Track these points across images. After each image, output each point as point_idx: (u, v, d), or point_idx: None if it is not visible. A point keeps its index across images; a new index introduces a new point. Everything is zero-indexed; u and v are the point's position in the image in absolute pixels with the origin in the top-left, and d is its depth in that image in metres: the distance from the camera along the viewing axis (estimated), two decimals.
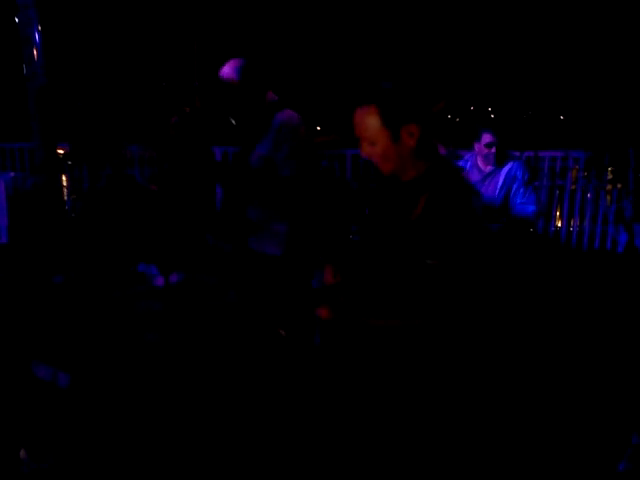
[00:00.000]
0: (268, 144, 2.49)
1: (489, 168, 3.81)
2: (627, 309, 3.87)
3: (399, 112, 1.53)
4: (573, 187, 5.92)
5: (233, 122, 2.54)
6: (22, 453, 2.30)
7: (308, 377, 2.13)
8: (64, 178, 6.51)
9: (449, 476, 1.78)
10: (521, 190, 3.69)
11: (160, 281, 4.54)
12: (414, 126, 1.54)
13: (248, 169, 2.54)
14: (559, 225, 6.07)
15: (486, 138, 3.72)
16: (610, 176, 5.83)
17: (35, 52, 5.26)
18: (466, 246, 1.50)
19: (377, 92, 1.55)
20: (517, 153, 3.98)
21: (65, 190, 6.59)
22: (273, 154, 2.47)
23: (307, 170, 2.50)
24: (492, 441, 2.54)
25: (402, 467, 1.74)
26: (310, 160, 2.55)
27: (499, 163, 3.76)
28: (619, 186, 5.80)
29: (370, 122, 1.55)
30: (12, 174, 6.25)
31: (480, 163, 3.85)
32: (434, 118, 1.60)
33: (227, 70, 2.48)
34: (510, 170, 3.72)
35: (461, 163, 4.02)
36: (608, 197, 5.79)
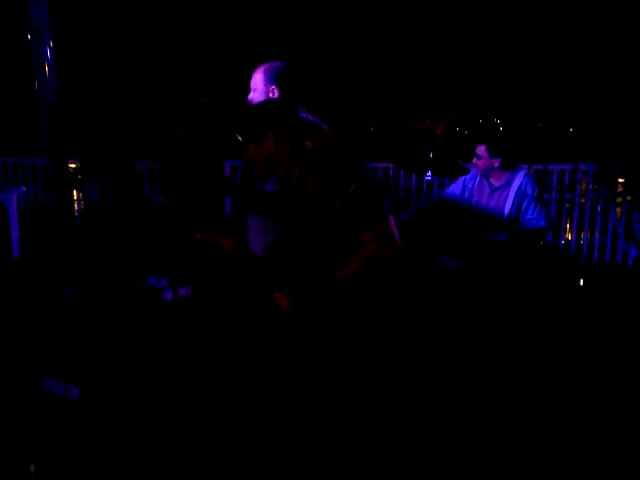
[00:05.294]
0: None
1: (498, 182, 3.82)
2: (638, 323, 3.84)
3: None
4: (582, 200, 5.90)
5: (240, 139, 2.55)
6: (32, 468, 2.31)
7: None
8: (75, 192, 6.57)
9: None
10: (531, 206, 3.69)
11: (169, 295, 4.56)
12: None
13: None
14: (569, 238, 6.04)
15: (477, 150, 3.81)
16: (620, 189, 5.81)
17: (47, 68, 5.33)
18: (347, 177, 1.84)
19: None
20: (525, 166, 3.98)
21: (75, 204, 6.65)
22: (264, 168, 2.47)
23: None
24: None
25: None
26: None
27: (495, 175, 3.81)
28: (629, 199, 5.77)
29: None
30: (24, 188, 6.32)
31: (490, 177, 3.85)
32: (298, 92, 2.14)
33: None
34: (520, 186, 3.72)
35: (468, 177, 4.02)
36: (618, 210, 5.77)
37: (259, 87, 2.51)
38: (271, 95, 2.49)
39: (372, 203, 1.85)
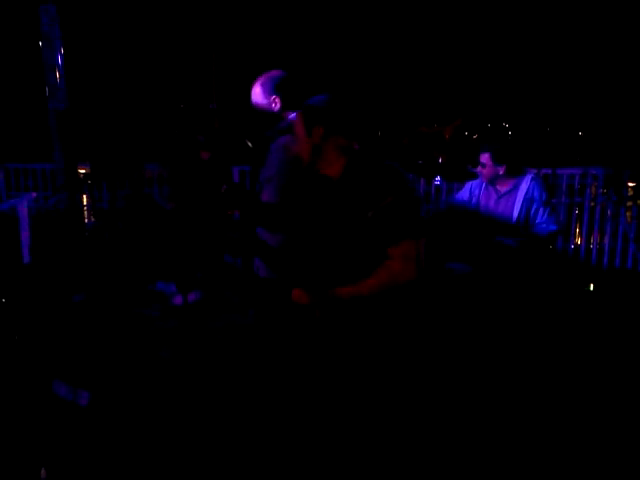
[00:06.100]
0: (265, 165, 2.48)
1: (505, 188, 3.79)
2: None
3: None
4: (592, 204, 5.87)
5: (249, 144, 2.56)
6: (42, 472, 2.32)
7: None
8: (84, 198, 6.61)
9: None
10: (540, 210, 3.67)
11: (178, 300, 4.57)
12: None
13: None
14: (578, 242, 6.01)
15: (481, 158, 3.78)
16: (630, 193, 5.78)
17: (57, 74, 5.37)
18: (393, 190, 1.85)
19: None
20: (533, 170, 3.95)
21: (85, 209, 6.68)
22: (263, 175, 2.47)
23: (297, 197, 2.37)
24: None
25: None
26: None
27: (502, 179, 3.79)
28: (639, 203, 5.74)
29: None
30: (34, 194, 6.35)
31: (497, 184, 3.83)
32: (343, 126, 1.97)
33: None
34: (527, 191, 3.70)
35: (474, 183, 4.00)
36: (628, 214, 5.73)
37: (259, 100, 2.53)
38: (274, 105, 2.51)
39: (405, 220, 1.84)
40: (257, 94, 2.52)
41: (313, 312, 1.96)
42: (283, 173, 2.37)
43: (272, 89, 2.49)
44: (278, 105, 2.49)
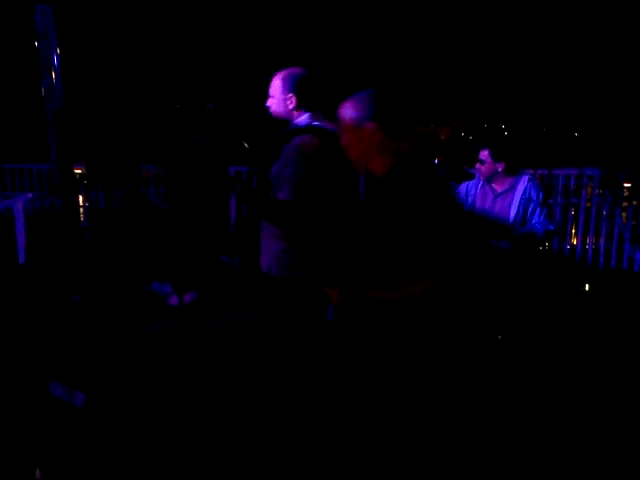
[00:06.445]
0: (278, 164, 2.47)
1: (502, 187, 3.80)
2: None
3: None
4: (588, 205, 5.88)
5: (246, 145, 2.56)
6: (37, 473, 2.32)
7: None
8: (80, 198, 6.60)
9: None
10: (537, 210, 3.67)
11: (174, 300, 4.57)
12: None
13: (262, 186, 2.53)
14: (574, 243, 6.02)
15: (481, 155, 3.80)
16: (626, 193, 5.79)
17: (53, 75, 5.36)
18: (431, 200, 1.84)
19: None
20: (530, 171, 3.95)
21: (81, 210, 6.67)
22: (277, 175, 2.46)
23: (313, 197, 2.40)
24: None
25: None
26: (322, 187, 2.43)
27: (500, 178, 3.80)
28: (635, 203, 5.75)
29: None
30: (30, 195, 6.35)
31: (493, 183, 3.84)
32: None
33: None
34: (524, 191, 3.71)
35: (471, 183, 4.00)
36: (624, 214, 5.75)
37: (277, 94, 2.52)
38: (289, 103, 2.50)
39: (447, 237, 1.84)
40: (275, 87, 2.50)
41: (341, 307, 1.96)
42: (300, 173, 2.37)
43: (292, 86, 2.47)
44: (293, 104, 2.49)
